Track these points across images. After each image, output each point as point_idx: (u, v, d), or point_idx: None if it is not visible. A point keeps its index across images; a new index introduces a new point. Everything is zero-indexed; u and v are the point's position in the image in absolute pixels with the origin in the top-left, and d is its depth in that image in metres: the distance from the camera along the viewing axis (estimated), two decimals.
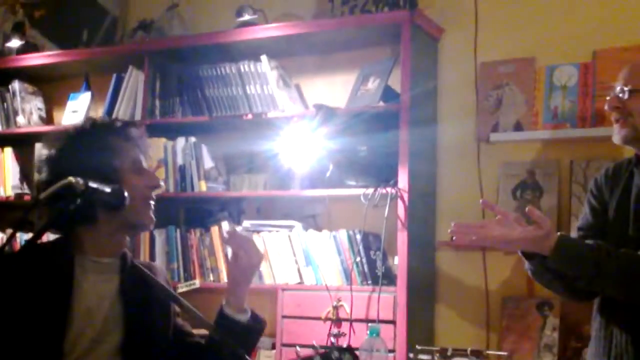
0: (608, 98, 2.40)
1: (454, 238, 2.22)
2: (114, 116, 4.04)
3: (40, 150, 2.19)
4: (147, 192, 2.15)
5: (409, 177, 3.39)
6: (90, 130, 2.16)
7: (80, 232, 2.13)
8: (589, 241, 2.27)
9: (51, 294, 2.04)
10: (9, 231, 4.35)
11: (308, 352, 1.99)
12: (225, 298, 2.18)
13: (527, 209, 2.22)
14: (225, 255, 3.81)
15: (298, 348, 1.95)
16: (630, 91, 2.31)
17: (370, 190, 3.46)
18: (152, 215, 2.16)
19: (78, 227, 2.12)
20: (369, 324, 2.95)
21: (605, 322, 2.35)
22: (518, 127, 3.51)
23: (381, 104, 3.54)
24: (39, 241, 1.91)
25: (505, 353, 2.13)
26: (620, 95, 2.34)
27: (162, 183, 2.23)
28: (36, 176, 2.19)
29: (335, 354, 1.92)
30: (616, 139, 2.38)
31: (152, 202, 2.17)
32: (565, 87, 3.44)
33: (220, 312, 2.17)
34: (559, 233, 2.23)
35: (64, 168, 2.01)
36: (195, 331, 2.33)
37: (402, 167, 3.40)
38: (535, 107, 3.49)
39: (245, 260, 2.16)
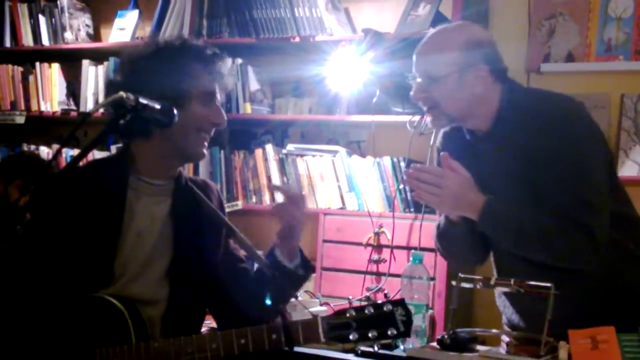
0: None
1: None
2: (160, 35, 4.02)
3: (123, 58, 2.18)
4: (207, 126, 2.14)
5: None
6: (177, 49, 2.13)
7: (135, 150, 2.13)
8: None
9: (104, 215, 2.06)
10: (56, 147, 4.40)
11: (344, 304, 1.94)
12: (278, 241, 2.17)
13: (441, 154, 2.20)
14: (269, 178, 3.83)
15: (350, 296, 1.92)
16: None
17: (417, 118, 3.42)
18: (204, 150, 2.15)
19: (133, 144, 2.12)
20: (411, 251, 2.95)
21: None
22: (570, 58, 3.44)
23: (431, 29, 3.46)
24: (95, 158, 1.92)
25: (549, 284, 2.11)
26: None
27: (225, 121, 2.20)
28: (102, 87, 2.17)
29: (388, 306, 1.90)
30: None
31: (207, 137, 2.15)
32: (620, 18, 3.35)
33: (270, 252, 2.17)
34: (486, 196, 2.19)
35: (137, 78, 2.01)
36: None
37: None
38: (589, 39, 3.41)
39: (290, 215, 2.14)
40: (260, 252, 2.24)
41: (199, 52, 2.14)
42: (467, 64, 2.24)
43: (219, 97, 2.17)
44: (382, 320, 1.87)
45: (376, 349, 1.90)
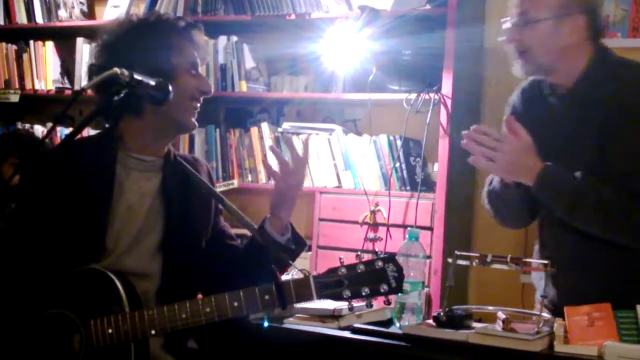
0: None
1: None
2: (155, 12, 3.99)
3: (101, 37, 2.16)
4: (197, 94, 2.15)
5: (454, 81, 3.33)
6: (154, 24, 2.14)
7: (125, 127, 2.13)
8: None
9: (93, 190, 2.06)
10: (50, 125, 4.38)
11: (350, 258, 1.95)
12: (269, 215, 2.17)
13: (505, 118, 2.17)
14: (264, 157, 3.82)
15: (341, 256, 1.94)
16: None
17: (413, 95, 3.40)
18: (194, 120, 2.16)
19: (123, 121, 2.12)
20: (408, 228, 2.95)
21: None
22: None
23: (428, 6, 3.45)
24: (82, 135, 1.92)
25: (546, 261, 2.11)
26: None
27: (211, 89, 2.21)
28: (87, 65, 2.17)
29: (379, 263, 1.90)
30: None
31: (197, 106, 2.16)
32: None
33: (260, 226, 2.17)
34: (545, 162, 2.17)
35: (120, 57, 1.99)
36: (234, 231, 2.34)
37: (447, 71, 3.33)
38: None
39: (288, 177, 2.15)
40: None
41: (175, 24, 2.15)
42: (566, 12, 2.22)
43: (200, 66, 2.19)
44: (374, 277, 1.89)
45: (368, 306, 1.92)
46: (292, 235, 2.18)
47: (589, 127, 2.22)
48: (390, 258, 1.92)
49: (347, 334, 2.31)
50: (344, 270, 1.90)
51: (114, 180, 2.09)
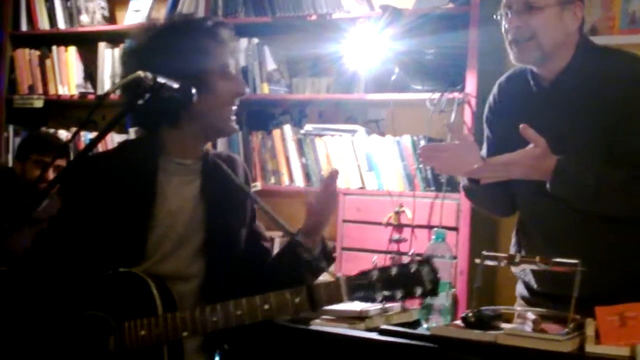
0: None
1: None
2: (181, 14, 3.99)
3: (128, 44, 2.15)
4: (232, 99, 2.11)
5: (478, 81, 3.30)
6: (180, 28, 2.10)
7: (164, 133, 2.11)
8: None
9: (136, 196, 2.05)
10: (74, 130, 4.40)
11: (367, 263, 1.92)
12: (301, 232, 2.15)
13: (521, 126, 2.15)
14: (287, 159, 3.81)
15: (375, 257, 1.91)
16: None
17: (437, 95, 3.38)
18: (234, 124, 2.13)
19: (161, 128, 2.11)
20: (434, 229, 2.92)
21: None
22: (593, 31, 3.37)
23: (450, 5, 3.42)
24: (124, 140, 1.91)
25: (575, 261, 2.07)
26: None
27: (247, 90, 2.18)
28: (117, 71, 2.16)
29: (414, 265, 1.87)
30: None
31: (234, 109, 2.13)
32: None
33: (291, 241, 2.15)
34: (558, 157, 2.15)
35: (147, 63, 1.95)
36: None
37: (471, 70, 3.31)
38: (612, 11, 3.36)
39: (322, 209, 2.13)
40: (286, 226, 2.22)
41: (202, 24, 2.11)
42: (569, 0, 2.22)
43: (232, 66, 2.15)
44: (408, 280, 1.84)
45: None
46: (322, 250, 2.16)
47: (580, 115, 2.21)
48: (426, 260, 1.88)
49: (374, 335, 2.29)
50: (376, 272, 1.87)
51: (156, 186, 2.08)
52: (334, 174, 2.15)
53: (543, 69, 2.29)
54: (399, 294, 1.85)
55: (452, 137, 2.37)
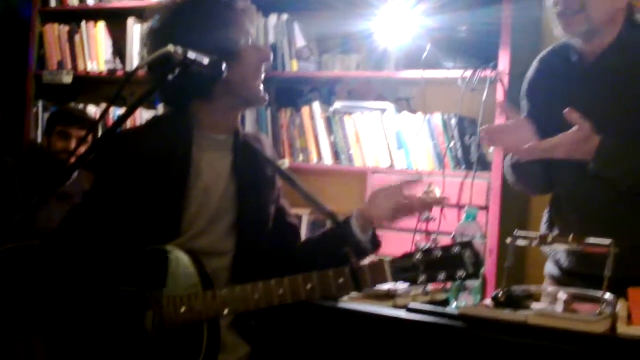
0: None
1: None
2: None
3: (151, 21, 2.13)
4: (260, 66, 2.10)
5: (511, 58, 3.25)
6: (202, 2, 2.08)
7: (197, 108, 2.10)
8: None
9: (171, 172, 2.04)
10: (103, 106, 4.41)
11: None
12: (358, 213, 2.13)
13: (565, 110, 2.11)
14: (316, 137, 3.79)
15: (418, 239, 1.90)
16: None
17: (469, 73, 3.34)
18: (264, 95, 2.11)
19: (194, 102, 2.10)
20: (466, 207, 2.90)
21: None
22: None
23: None
24: (155, 116, 1.89)
25: (608, 241, 2.04)
26: None
27: (272, 56, 2.17)
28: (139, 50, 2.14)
29: (457, 248, 1.86)
30: None
31: (262, 77, 2.11)
32: None
33: (346, 220, 2.13)
34: (600, 137, 2.12)
35: (175, 40, 1.90)
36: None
37: (504, 47, 3.26)
38: None
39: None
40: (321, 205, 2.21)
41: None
42: None
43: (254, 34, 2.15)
44: (451, 263, 1.84)
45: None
46: (370, 236, 2.15)
47: (624, 93, 2.19)
48: (468, 244, 1.87)
49: (402, 313, 2.27)
50: (420, 254, 1.87)
51: (191, 161, 2.07)
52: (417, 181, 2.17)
53: (588, 45, 2.26)
54: (441, 277, 1.85)
55: (484, 116, 2.36)
